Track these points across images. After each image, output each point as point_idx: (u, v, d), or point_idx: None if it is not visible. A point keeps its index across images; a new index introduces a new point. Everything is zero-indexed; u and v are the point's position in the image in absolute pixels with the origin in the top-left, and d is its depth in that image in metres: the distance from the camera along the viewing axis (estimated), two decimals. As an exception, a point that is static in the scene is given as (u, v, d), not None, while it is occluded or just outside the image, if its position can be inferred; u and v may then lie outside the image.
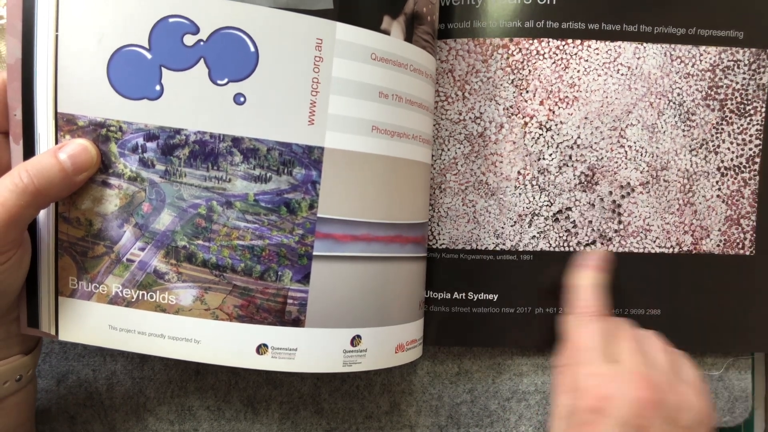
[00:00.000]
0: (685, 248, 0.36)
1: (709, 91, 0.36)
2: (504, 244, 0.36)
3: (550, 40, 0.35)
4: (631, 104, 0.35)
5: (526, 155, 0.35)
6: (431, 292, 0.36)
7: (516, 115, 0.35)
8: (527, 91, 0.35)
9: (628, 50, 0.35)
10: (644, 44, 0.35)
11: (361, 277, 0.30)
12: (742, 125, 0.36)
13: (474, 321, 0.36)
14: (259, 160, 0.28)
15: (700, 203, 0.36)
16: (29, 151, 0.28)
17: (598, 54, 0.35)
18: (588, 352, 0.30)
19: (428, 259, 0.35)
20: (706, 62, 0.35)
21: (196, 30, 0.27)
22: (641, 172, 0.36)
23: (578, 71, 0.35)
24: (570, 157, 0.36)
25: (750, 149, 0.36)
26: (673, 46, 0.35)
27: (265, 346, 0.29)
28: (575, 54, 0.35)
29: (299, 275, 0.29)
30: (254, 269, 0.29)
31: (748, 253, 0.36)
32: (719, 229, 0.36)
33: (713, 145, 0.36)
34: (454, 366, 0.38)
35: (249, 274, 0.29)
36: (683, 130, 0.36)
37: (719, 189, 0.36)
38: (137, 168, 0.28)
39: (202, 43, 0.27)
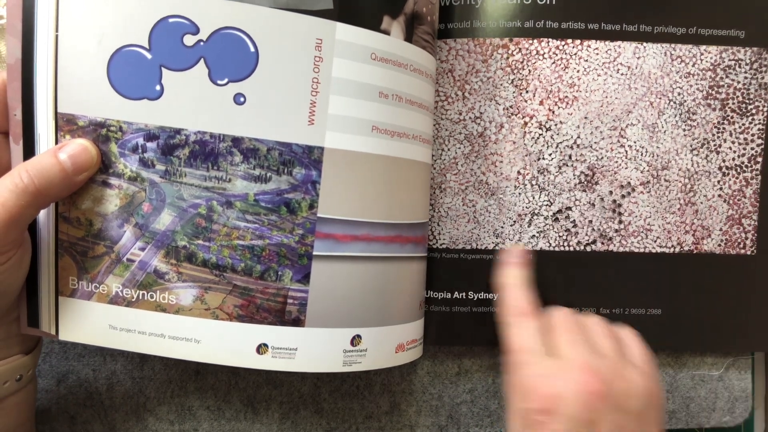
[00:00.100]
0: (686, 248, 0.36)
1: (710, 91, 0.36)
2: (504, 244, 0.36)
3: (550, 40, 0.35)
4: (631, 104, 0.35)
5: (526, 155, 0.35)
6: (431, 292, 0.36)
7: (516, 114, 0.35)
8: (527, 91, 0.35)
9: (628, 50, 0.35)
10: (644, 44, 0.35)
11: (362, 277, 0.30)
12: (743, 125, 0.36)
13: (474, 321, 0.36)
14: (259, 160, 0.28)
15: (702, 203, 0.36)
16: (29, 151, 0.28)
17: (597, 54, 0.35)
18: (528, 353, 0.29)
19: (428, 259, 0.35)
20: (706, 62, 0.35)
21: (196, 30, 0.27)
22: (642, 172, 0.36)
23: (578, 71, 0.35)
24: (570, 156, 0.36)
25: (752, 149, 0.36)
26: (673, 45, 0.35)
27: (265, 345, 0.29)
28: (575, 54, 0.35)
29: (299, 275, 0.29)
30: (254, 269, 0.29)
31: (749, 253, 0.36)
32: (720, 229, 0.36)
33: (714, 145, 0.36)
34: (454, 366, 0.37)
35: (249, 273, 0.29)
36: (684, 130, 0.36)
37: (721, 189, 0.36)
38: (137, 168, 0.28)
39: (202, 43, 0.27)
